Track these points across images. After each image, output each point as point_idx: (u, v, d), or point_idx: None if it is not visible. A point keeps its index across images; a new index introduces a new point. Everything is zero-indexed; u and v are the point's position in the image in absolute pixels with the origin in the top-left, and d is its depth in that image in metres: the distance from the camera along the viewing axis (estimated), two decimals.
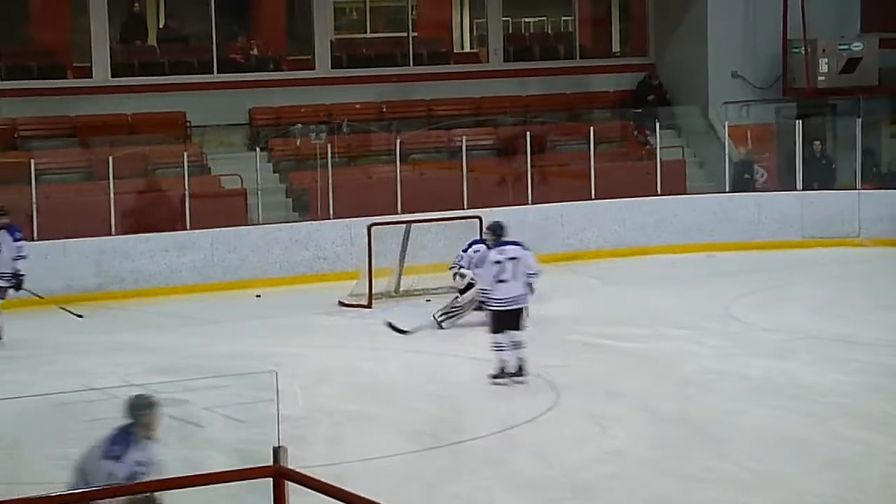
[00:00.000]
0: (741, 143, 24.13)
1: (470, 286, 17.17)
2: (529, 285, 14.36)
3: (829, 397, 13.28)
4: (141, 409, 8.18)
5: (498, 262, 14.25)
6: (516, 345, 14.12)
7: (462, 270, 17.32)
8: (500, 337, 14.11)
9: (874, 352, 15.26)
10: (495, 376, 14.13)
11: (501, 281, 14.17)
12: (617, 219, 22.32)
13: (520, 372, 14.12)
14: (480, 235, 18.53)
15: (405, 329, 16.01)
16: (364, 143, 23.60)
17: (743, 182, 23.47)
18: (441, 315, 17.21)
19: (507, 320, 14.11)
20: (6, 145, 22.07)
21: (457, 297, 17.46)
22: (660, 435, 12.20)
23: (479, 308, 16.30)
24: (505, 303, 14.13)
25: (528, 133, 22.40)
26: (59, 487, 6.29)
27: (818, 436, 11.96)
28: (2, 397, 12.92)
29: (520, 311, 14.21)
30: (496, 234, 14.77)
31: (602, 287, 19.68)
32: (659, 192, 22.82)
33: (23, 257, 17.02)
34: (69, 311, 17.77)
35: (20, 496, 5.65)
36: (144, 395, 8.40)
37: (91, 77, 23.01)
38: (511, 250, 14.34)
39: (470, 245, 17.55)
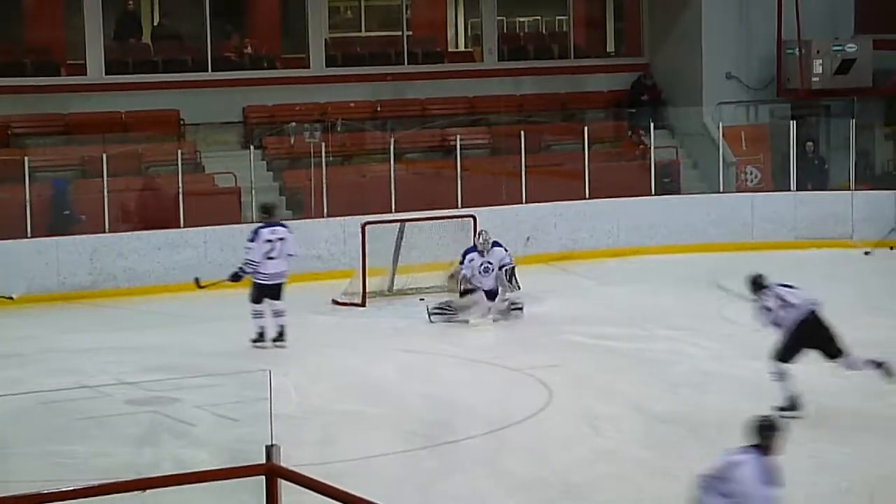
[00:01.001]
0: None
1: (468, 291, 17.36)
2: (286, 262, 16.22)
3: (821, 399, 13.28)
4: (768, 431, 8.22)
5: (269, 240, 16.02)
6: (277, 313, 15.98)
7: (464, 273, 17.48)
8: (261, 306, 15.98)
9: (867, 354, 15.24)
10: (255, 340, 15.86)
11: (270, 258, 16.01)
12: (611, 219, 22.33)
13: (280, 337, 15.92)
14: (475, 234, 18.62)
15: (206, 283, 17.14)
16: (358, 142, 23.60)
17: (664, 185, 23.28)
18: (435, 310, 17.39)
19: (270, 292, 15.98)
20: (0, 142, 22.05)
21: (452, 301, 17.58)
22: (652, 435, 12.21)
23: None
24: (271, 277, 16.00)
25: (522, 132, 22.40)
26: (50, 485, 6.26)
27: (810, 437, 11.96)
28: None
29: (281, 284, 16.06)
30: (269, 214, 16.57)
31: (595, 287, 19.68)
32: (653, 192, 22.85)
33: None
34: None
35: (12, 494, 5.64)
36: (771, 417, 8.39)
37: (85, 74, 23.00)
38: (281, 231, 16.15)
39: (464, 255, 17.68)
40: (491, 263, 17.47)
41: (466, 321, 17.26)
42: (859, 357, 12.73)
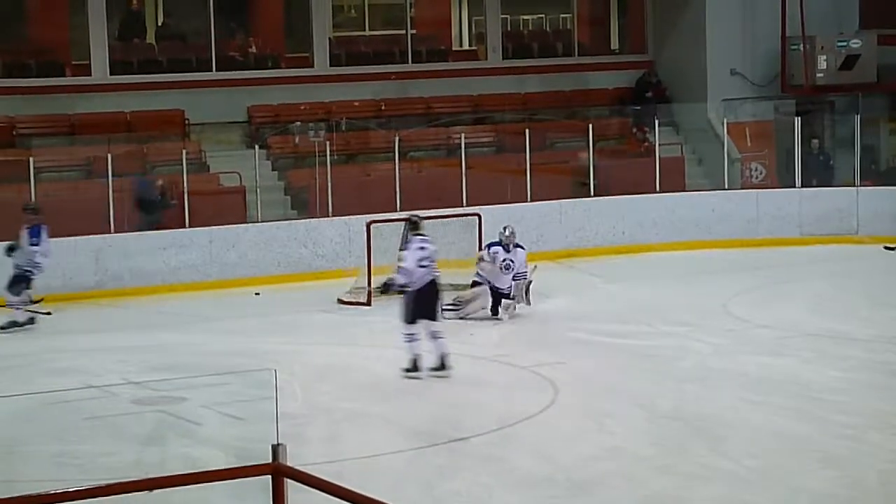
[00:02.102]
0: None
1: (475, 283, 17.37)
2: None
3: (827, 394, 13.29)
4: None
5: (48, 240, 17.47)
6: (30, 301, 17.47)
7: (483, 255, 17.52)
8: (18, 298, 17.34)
9: (872, 349, 15.28)
10: (3, 327, 17.13)
11: (45, 256, 17.43)
12: (616, 216, 22.34)
13: (31, 321, 17.26)
14: (480, 233, 18.66)
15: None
16: (363, 141, 23.62)
17: (581, 190, 22.65)
18: (448, 307, 17.39)
19: (29, 283, 17.42)
20: (5, 143, 22.10)
21: (459, 295, 17.58)
22: (657, 432, 12.21)
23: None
24: (42, 271, 17.45)
25: (526, 130, 22.41)
26: (57, 485, 6.29)
27: (815, 433, 11.97)
28: (0, 395, 12.94)
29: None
30: (36, 213, 17.68)
31: (600, 284, 19.69)
32: (658, 189, 22.85)
33: None
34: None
35: (19, 494, 5.67)
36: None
37: (90, 75, 23.05)
38: (47, 229, 17.55)
39: (488, 246, 17.66)
40: (513, 262, 17.45)
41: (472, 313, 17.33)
42: (442, 336, 14.35)
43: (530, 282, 17.62)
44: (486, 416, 12.86)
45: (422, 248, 14.37)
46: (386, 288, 15.17)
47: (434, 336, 14.29)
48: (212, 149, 22.50)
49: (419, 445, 11.99)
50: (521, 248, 17.68)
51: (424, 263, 14.27)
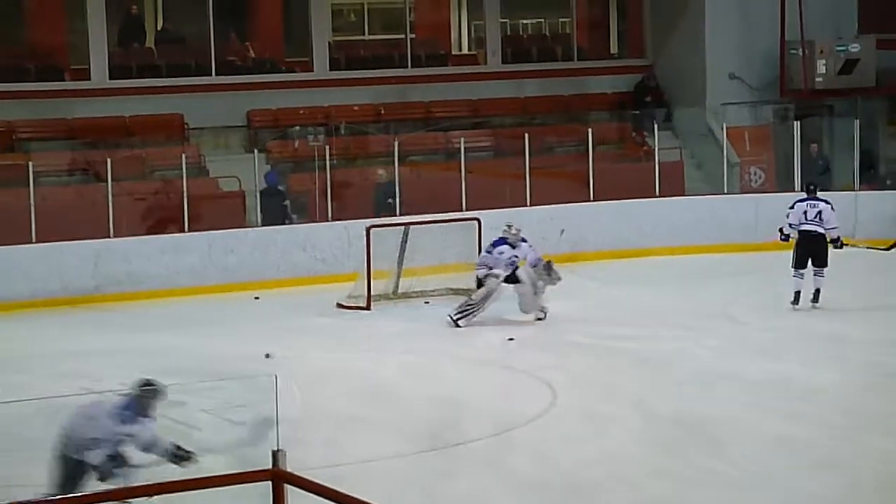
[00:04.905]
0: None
1: (480, 283, 17.32)
2: None
3: (825, 397, 13.31)
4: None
5: None
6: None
7: (494, 272, 17.35)
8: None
9: (870, 351, 15.29)
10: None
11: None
12: (615, 220, 22.34)
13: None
14: (479, 238, 18.66)
15: None
16: (362, 145, 23.61)
17: (385, 206, 21.64)
18: (457, 314, 17.26)
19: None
20: (4, 147, 22.07)
21: (470, 296, 17.52)
22: (656, 435, 12.23)
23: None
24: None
25: (525, 135, 22.40)
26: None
27: (814, 436, 11.99)
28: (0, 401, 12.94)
29: None
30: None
31: (600, 288, 19.70)
32: (657, 193, 22.85)
33: None
34: None
35: (18, 500, 5.67)
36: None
37: (89, 79, 23.03)
38: None
39: (493, 245, 17.57)
40: (517, 258, 17.42)
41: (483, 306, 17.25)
42: None
43: (548, 262, 17.53)
44: (485, 419, 12.88)
45: None
46: None
47: None
48: (211, 153, 22.51)
49: (418, 450, 12.00)
50: (525, 241, 17.62)
51: None
